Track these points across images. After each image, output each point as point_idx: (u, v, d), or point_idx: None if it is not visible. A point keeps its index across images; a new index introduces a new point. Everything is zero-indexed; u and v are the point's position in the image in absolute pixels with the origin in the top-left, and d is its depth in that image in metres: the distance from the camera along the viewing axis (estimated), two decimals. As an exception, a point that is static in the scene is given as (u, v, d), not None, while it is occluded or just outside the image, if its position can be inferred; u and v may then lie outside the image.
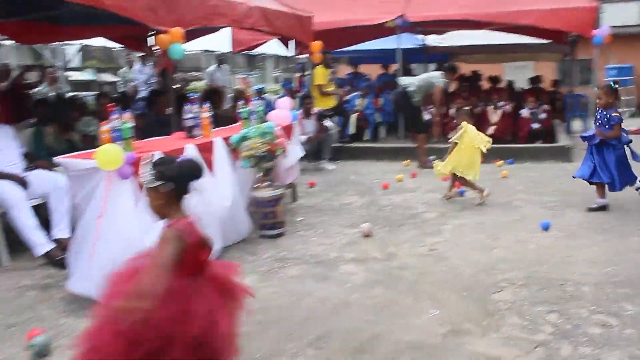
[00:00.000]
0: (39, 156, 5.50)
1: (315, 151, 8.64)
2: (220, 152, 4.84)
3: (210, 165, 4.69)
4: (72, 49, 18.29)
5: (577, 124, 11.93)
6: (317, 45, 8.75)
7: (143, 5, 5.55)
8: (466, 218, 5.49)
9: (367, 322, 3.30)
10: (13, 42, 10.42)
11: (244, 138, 4.97)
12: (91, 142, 6.03)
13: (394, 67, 12.28)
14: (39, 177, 4.96)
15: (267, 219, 5.02)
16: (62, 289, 3.95)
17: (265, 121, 6.06)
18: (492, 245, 4.64)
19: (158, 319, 2.06)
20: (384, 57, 12.80)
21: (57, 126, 5.88)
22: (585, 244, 4.61)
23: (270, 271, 4.20)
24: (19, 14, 7.32)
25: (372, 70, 13.89)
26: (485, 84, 12.39)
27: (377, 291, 3.75)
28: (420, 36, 13.06)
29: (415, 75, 11.91)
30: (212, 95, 7.82)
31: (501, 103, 10.28)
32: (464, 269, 4.11)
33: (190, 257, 2.19)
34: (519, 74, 16.13)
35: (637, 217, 5.32)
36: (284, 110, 6.37)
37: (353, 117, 10.20)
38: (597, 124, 5.59)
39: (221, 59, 11.91)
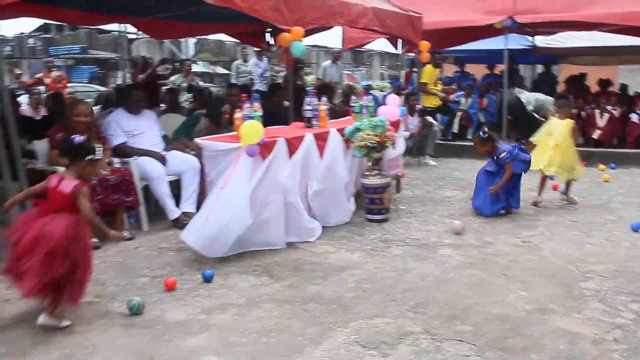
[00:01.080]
0: (179, 134, 6.27)
1: (419, 147, 9.06)
2: (334, 141, 5.41)
3: (322, 152, 5.29)
4: (189, 42, 19.50)
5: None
6: (425, 44, 9.13)
7: (271, 7, 6.20)
8: (561, 216, 5.75)
9: (460, 296, 3.74)
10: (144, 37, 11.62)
11: (357, 130, 5.50)
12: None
13: (499, 68, 12.43)
14: (175, 158, 5.77)
15: (374, 205, 5.53)
16: (194, 252, 4.64)
17: (375, 116, 6.60)
18: (584, 241, 4.91)
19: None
20: (491, 57, 12.92)
21: (211, 121, 6.51)
22: (679, 245, 4.78)
23: (375, 250, 4.73)
24: (153, 12, 8.26)
25: (478, 70, 14.02)
26: (596, 87, 12.25)
27: (471, 272, 4.17)
28: (529, 37, 13.04)
29: (522, 77, 12.01)
30: (325, 89, 8.42)
31: (609, 107, 10.21)
32: (554, 259, 4.44)
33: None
34: (634, 77, 15.63)
35: None
36: (393, 106, 6.86)
37: (457, 116, 10.50)
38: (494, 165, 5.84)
39: (337, 55, 12.38)
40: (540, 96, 8.78)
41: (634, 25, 9.05)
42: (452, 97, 10.78)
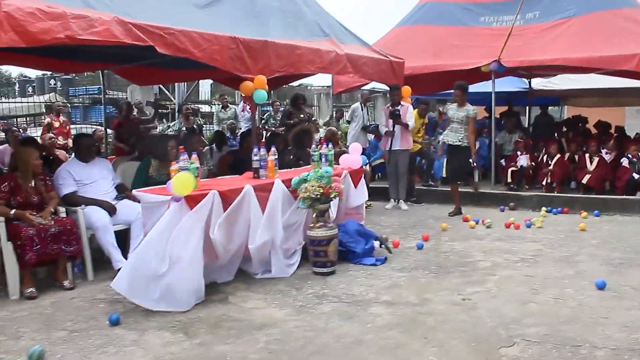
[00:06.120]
0: (138, 185, 6.24)
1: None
2: (277, 192, 5.32)
3: (265, 203, 5.20)
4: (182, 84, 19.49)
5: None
6: (406, 90, 9.08)
7: (232, 56, 6.22)
8: (518, 270, 5.52)
9: (367, 361, 3.56)
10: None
11: (303, 180, 5.41)
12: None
13: (500, 110, 12.31)
14: (126, 206, 5.74)
15: (319, 257, 5.39)
16: (125, 304, 4.64)
17: (338, 164, 6.51)
18: (529, 299, 4.67)
19: None
20: (489, 99, 12.77)
21: (159, 160, 6.50)
22: (629, 306, 4.49)
23: (305, 306, 4.56)
24: (131, 60, 8.36)
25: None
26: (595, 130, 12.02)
27: (392, 333, 3.98)
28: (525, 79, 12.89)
29: (514, 120, 11.83)
30: (303, 136, 8.35)
31: (604, 150, 9.95)
32: (487, 320, 4.21)
33: None
34: (640, 119, 15.31)
35: None
36: (355, 154, 6.77)
37: (444, 161, 10.32)
38: None
39: (367, 97, 11.78)
40: None
41: (618, 69, 8.89)
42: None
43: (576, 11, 9.84)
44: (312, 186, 5.29)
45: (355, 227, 5.94)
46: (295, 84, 25.07)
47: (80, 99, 24.75)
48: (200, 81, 26.47)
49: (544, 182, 9.64)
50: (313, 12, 8.13)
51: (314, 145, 6.44)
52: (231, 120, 11.26)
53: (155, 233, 4.47)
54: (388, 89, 9.72)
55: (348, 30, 8.59)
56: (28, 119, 21.78)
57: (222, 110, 12.02)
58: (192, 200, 4.56)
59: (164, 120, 16.95)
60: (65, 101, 14.69)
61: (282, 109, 11.94)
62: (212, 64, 6.12)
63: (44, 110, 18.81)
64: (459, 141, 8.17)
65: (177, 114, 12.01)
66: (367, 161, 10.63)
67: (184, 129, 10.18)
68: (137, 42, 5.32)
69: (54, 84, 26.59)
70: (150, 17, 5.58)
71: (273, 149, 5.75)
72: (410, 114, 8.87)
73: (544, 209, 8.44)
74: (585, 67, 9.22)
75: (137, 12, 5.54)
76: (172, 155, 5.67)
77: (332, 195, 5.37)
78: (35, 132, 12.71)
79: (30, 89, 27.22)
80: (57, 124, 11.82)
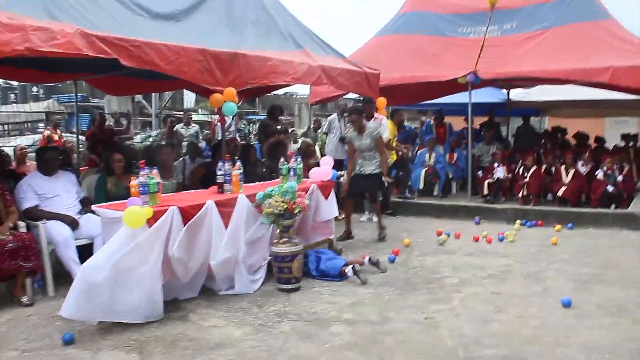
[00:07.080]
0: (99, 200, 6.15)
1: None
2: (241, 208, 5.25)
3: (228, 219, 5.13)
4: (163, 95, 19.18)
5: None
6: (381, 101, 9.04)
7: (200, 68, 6.13)
8: (485, 287, 5.46)
9: (320, 385, 3.49)
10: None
11: (268, 196, 5.34)
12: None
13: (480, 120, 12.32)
14: (89, 221, 5.63)
15: (283, 274, 5.32)
16: (81, 322, 4.50)
17: (307, 177, 6.45)
18: (492, 318, 4.61)
19: None
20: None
21: (109, 174, 6.36)
22: (591, 325, 4.44)
23: (265, 325, 4.49)
24: (110, 70, 8.26)
25: (458, 123, 13.78)
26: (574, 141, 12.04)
27: (348, 354, 3.91)
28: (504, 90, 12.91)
29: (491, 132, 11.80)
30: (277, 147, 8.27)
31: (581, 162, 9.95)
32: (447, 340, 4.15)
33: None
34: (622, 129, 15.35)
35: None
36: (326, 168, 6.71)
37: (422, 172, 10.30)
38: None
39: (343, 108, 11.18)
40: None
41: (593, 81, 8.90)
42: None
43: (552, 23, 9.87)
44: (276, 201, 5.22)
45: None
46: (280, 92, 25.04)
47: (63, 107, 24.54)
48: (185, 90, 26.45)
49: (520, 195, 9.62)
50: (287, 24, 8.08)
51: (282, 159, 6.37)
52: (206, 131, 11.10)
53: (108, 249, 4.38)
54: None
55: (323, 42, 8.55)
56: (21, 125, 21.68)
57: (184, 127, 11.69)
58: (151, 217, 4.48)
59: (147, 128, 16.80)
60: (61, 111, 14.54)
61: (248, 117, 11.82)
62: (180, 77, 6.01)
63: (40, 118, 18.84)
64: (378, 168, 7.56)
65: (155, 123, 11.86)
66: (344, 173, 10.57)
67: (163, 142, 10.05)
68: (100, 54, 5.21)
69: (37, 92, 26.38)
70: (118, 29, 5.49)
71: (238, 163, 5.68)
72: (384, 127, 8.79)
73: (518, 221, 8.42)
74: (561, 79, 9.21)
75: (104, 24, 5.45)
76: (117, 169, 5.63)
77: (296, 211, 5.30)
78: (34, 141, 12.71)
79: (12, 96, 26.94)
80: (56, 137, 11.85)
